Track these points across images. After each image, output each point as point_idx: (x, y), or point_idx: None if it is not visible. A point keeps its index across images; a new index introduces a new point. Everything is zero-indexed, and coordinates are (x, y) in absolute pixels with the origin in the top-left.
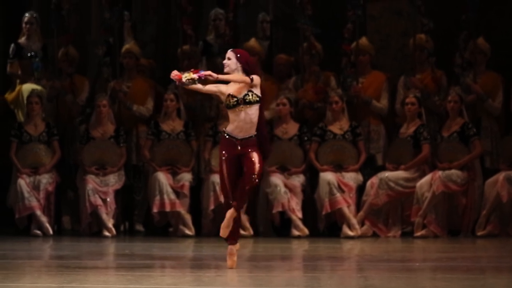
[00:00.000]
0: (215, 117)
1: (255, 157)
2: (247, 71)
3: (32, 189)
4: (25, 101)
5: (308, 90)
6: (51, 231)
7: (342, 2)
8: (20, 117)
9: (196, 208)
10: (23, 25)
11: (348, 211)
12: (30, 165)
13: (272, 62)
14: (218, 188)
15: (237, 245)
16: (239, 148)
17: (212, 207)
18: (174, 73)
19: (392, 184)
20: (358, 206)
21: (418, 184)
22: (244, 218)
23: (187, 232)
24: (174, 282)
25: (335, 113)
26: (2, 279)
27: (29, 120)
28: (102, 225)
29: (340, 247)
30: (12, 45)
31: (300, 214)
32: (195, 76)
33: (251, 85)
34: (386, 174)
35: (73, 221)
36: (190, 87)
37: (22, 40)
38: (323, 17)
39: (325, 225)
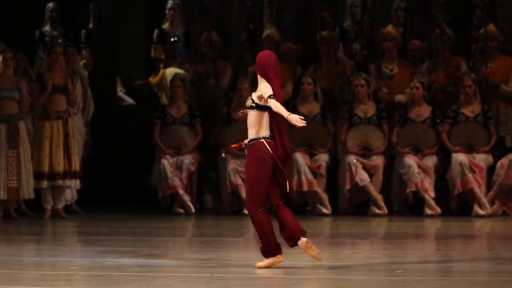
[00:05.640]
0: (351, 100)
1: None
2: (263, 72)
3: (175, 169)
4: (168, 85)
5: (439, 75)
6: (193, 210)
7: None
8: (164, 100)
9: (332, 188)
10: (167, 11)
11: (479, 191)
12: (173, 146)
13: (406, 48)
14: (353, 168)
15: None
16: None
17: (348, 186)
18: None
19: None
20: (488, 186)
21: None
22: (379, 198)
23: (324, 210)
24: (311, 259)
25: (468, 97)
26: (147, 255)
27: (172, 102)
28: (242, 204)
29: (471, 226)
30: (156, 30)
31: (433, 194)
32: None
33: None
34: None
35: (214, 200)
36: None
37: (166, 26)
38: (455, 4)
39: (457, 204)
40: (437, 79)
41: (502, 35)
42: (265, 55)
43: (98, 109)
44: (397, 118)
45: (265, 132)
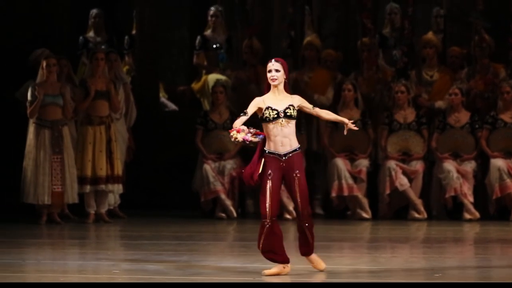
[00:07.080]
0: (391, 106)
1: (302, 188)
2: (285, 83)
3: (217, 174)
4: (210, 91)
5: (478, 81)
6: (235, 214)
7: None
8: (206, 105)
9: (372, 192)
10: (209, 18)
11: None
12: (215, 151)
13: (446, 54)
14: (393, 173)
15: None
16: (283, 164)
17: (388, 191)
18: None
19: None
20: None
21: None
22: (419, 202)
23: (364, 215)
24: (351, 263)
25: (506, 103)
26: (188, 259)
27: (214, 108)
28: (283, 208)
29: (510, 230)
30: (199, 37)
31: (471, 199)
32: (240, 138)
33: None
34: None
35: (256, 204)
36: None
37: (208, 32)
38: (494, 12)
39: (495, 209)
40: (476, 86)
41: None
42: None
43: (141, 115)
44: (436, 124)
45: None
